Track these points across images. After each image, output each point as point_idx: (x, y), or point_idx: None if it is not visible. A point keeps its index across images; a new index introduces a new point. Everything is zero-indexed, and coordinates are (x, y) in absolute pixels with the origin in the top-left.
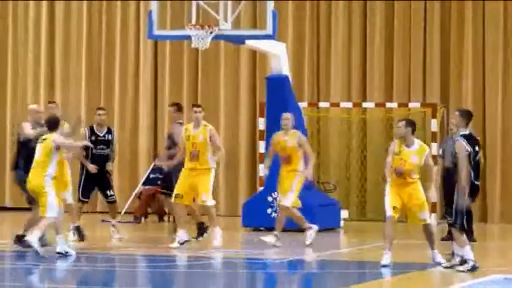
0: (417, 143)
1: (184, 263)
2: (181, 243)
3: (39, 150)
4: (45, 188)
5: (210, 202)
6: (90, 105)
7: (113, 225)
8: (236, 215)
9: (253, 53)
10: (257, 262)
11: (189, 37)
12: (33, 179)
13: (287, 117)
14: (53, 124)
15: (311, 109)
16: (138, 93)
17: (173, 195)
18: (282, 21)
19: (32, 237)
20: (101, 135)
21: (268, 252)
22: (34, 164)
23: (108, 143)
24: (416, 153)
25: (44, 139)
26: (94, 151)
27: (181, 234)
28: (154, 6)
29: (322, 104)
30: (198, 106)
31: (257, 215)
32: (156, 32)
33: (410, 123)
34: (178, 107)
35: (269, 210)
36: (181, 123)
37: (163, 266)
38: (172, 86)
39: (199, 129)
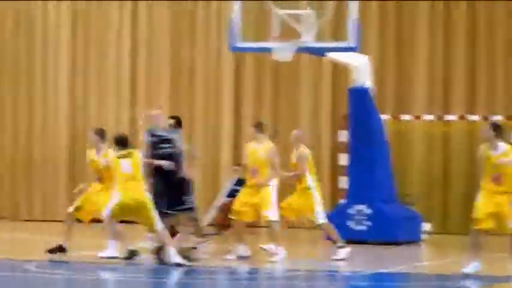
0: (503, 145)
1: (268, 276)
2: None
3: (130, 164)
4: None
5: (273, 217)
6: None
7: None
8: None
9: (335, 64)
10: (340, 275)
11: (270, 49)
12: (136, 192)
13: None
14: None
15: (393, 121)
16: (220, 105)
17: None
18: (364, 34)
19: (173, 256)
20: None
21: (348, 265)
22: (129, 178)
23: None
24: (504, 155)
25: (130, 153)
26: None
27: (240, 249)
28: (236, 18)
29: (405, 117)
30: (255, 125)
31: (338, 228)
32: (238, 44)
33: (495, 127)
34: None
35: (350, 223)
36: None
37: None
38: (254, 97)
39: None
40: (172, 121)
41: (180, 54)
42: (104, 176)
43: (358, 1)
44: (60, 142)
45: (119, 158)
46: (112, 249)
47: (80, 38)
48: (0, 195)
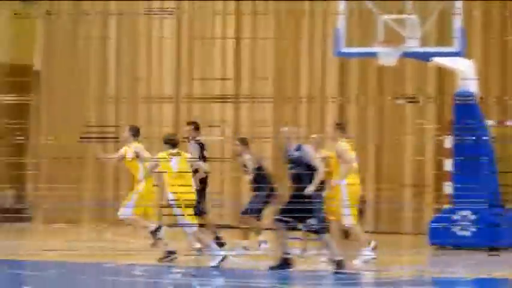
0: None
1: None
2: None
3: (179, 163)
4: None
5: (347, 222)
6: (277, 124)
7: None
8: (423, 233)
9: (440, 69)
10: (442, 280)
11: (375, 54)
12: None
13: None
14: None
15: (498, 127)
16: (324, 110)
17: None
18: (469, 39)
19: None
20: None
21: (451, 271)
22: (177, 176)
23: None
24: None
25: (179, 153)
26: None
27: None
28: (341, 23)
29: (510, 122)
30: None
31: (443, 233)
32: (343, 49)
33: None
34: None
35: (454, 228)
36: None
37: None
38: (357, 102)
39: None
40: (189, 127)
41: (284, 58)
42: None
43: (462, 3)
44: None
45: (169, 156)
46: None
47: (184, 39)
48: None
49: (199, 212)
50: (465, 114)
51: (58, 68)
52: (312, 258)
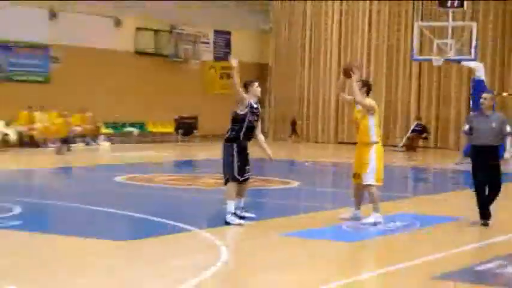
0: None
1: None
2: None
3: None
4: None
5: (368, 180)
6: None
7: None
8: None
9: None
10: None
11: (431, 60)
12: None
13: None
14: None
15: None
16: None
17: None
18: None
19: None
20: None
21: None
22: None
23: None
24: None
25: None
26: None
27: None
28: (415, 38)
29: None
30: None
31: None
32: (416, 56)
33: None
34: None
35: None
36: None
37: None
38: (427, 88)
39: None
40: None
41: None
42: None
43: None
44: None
45: None
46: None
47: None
48: None
49: None
50: (477, 91)
51: (282, 65)
52: None
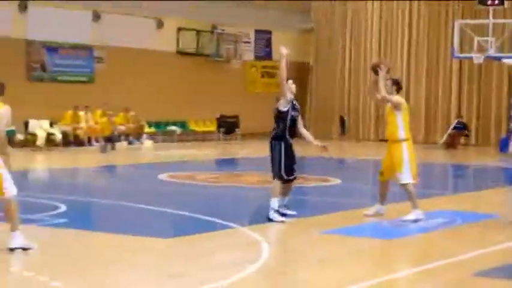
0: None
1: None
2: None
3: None
4: None
5: (405, 179)
6: None
7: None
8: None
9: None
10: None
11: (472, 57)
12: None
13: None
14: None
15: None
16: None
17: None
18: None
19: None
20: None
21: None
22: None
23: None
24: None
25: None
26: None
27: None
28: (456, 37)
29: None
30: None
31: None
32: (457, 54)
33: None
34: None
35: None
36: None
37: None
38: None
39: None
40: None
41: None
42: None
43: None
44: None
45: None
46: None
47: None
48: None
49: None
50: None
51: (323, 63)
52: None
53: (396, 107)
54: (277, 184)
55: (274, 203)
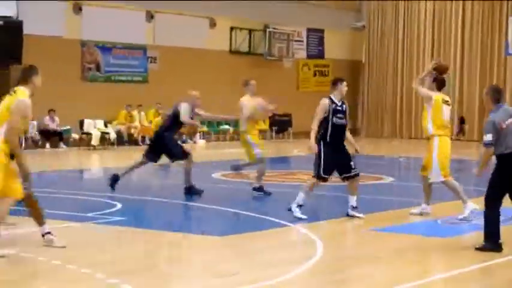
0: None
1: None
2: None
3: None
4: None
5: (435, 178)
6: None
7: None
8: None
9: None
10: None
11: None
12: None
13: None
14: None
15: None
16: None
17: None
18: None
19: None
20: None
21: None
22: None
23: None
24: None
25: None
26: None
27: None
28: (510, 35)
29: None
30: None
31: None
32: (510, 51)
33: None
34: None
35: None
36: None
37: None
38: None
39: None
40: None
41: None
42: None
43: None
44: None
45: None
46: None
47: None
48: None
49: None
50: None
51: (375, 62)
52: None
53: (426, 100)
54: (312, 180)
55: (300, 197)
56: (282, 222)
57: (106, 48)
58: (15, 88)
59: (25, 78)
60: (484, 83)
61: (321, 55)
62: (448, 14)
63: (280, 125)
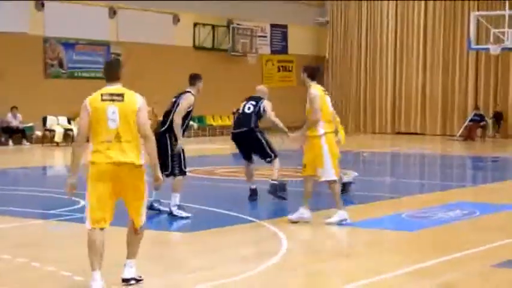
0: None
1: None
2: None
3: None
4: None
5: (326, 177)
6: None
7: None
8: None
9: None
10: None
11: (488, 49)
12: None
13: None
14: None
15: None
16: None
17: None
18: None
19: None
20: None
21: None
22: None
23: None
24: None
25: None
26: None
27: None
28: (472, 29)
29: None
30: None
31: None
32: (473, 46)
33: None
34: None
35: None
36: None
37: None
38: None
39: None
40: None
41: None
42: None
43: None
44: None
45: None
46: None
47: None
48: None
49: None
50: None
51: (339, 57)
52: None
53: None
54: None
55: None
56: (248, 218)
57: (69, 44)
58: None
59: None
60: (447, 77)
61: (284, 50)
62: (410, 10)
63: None
